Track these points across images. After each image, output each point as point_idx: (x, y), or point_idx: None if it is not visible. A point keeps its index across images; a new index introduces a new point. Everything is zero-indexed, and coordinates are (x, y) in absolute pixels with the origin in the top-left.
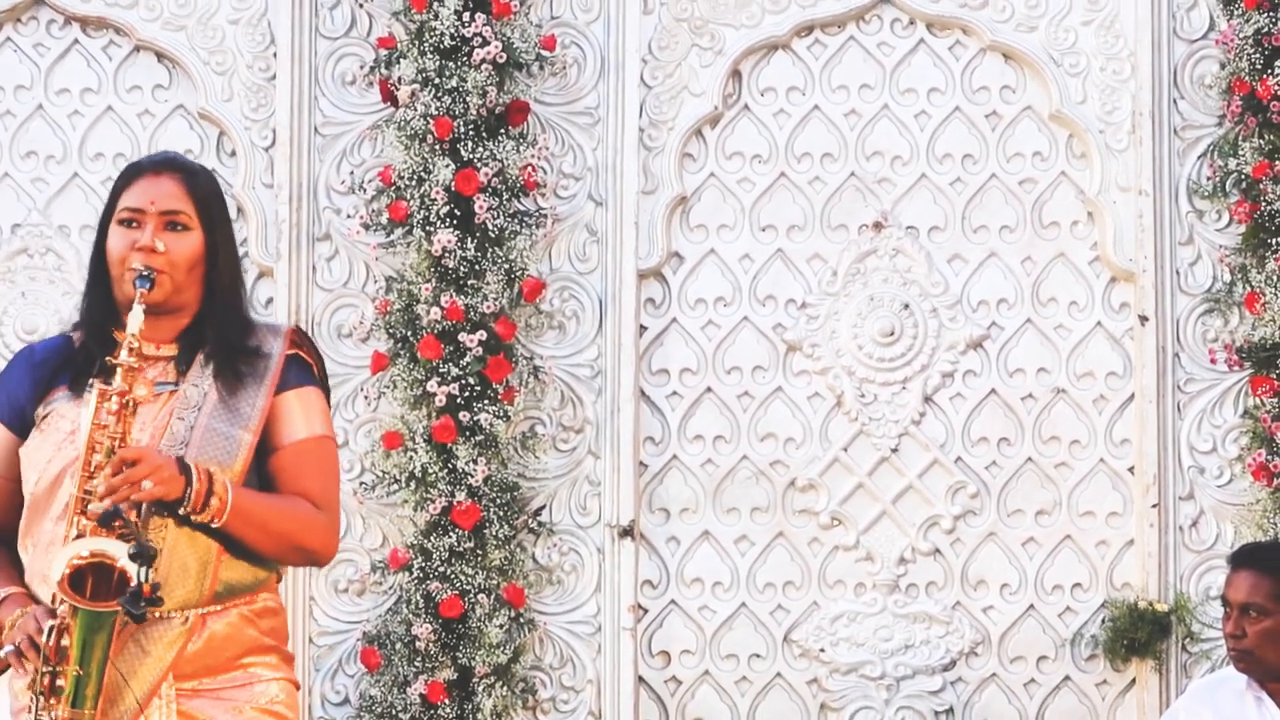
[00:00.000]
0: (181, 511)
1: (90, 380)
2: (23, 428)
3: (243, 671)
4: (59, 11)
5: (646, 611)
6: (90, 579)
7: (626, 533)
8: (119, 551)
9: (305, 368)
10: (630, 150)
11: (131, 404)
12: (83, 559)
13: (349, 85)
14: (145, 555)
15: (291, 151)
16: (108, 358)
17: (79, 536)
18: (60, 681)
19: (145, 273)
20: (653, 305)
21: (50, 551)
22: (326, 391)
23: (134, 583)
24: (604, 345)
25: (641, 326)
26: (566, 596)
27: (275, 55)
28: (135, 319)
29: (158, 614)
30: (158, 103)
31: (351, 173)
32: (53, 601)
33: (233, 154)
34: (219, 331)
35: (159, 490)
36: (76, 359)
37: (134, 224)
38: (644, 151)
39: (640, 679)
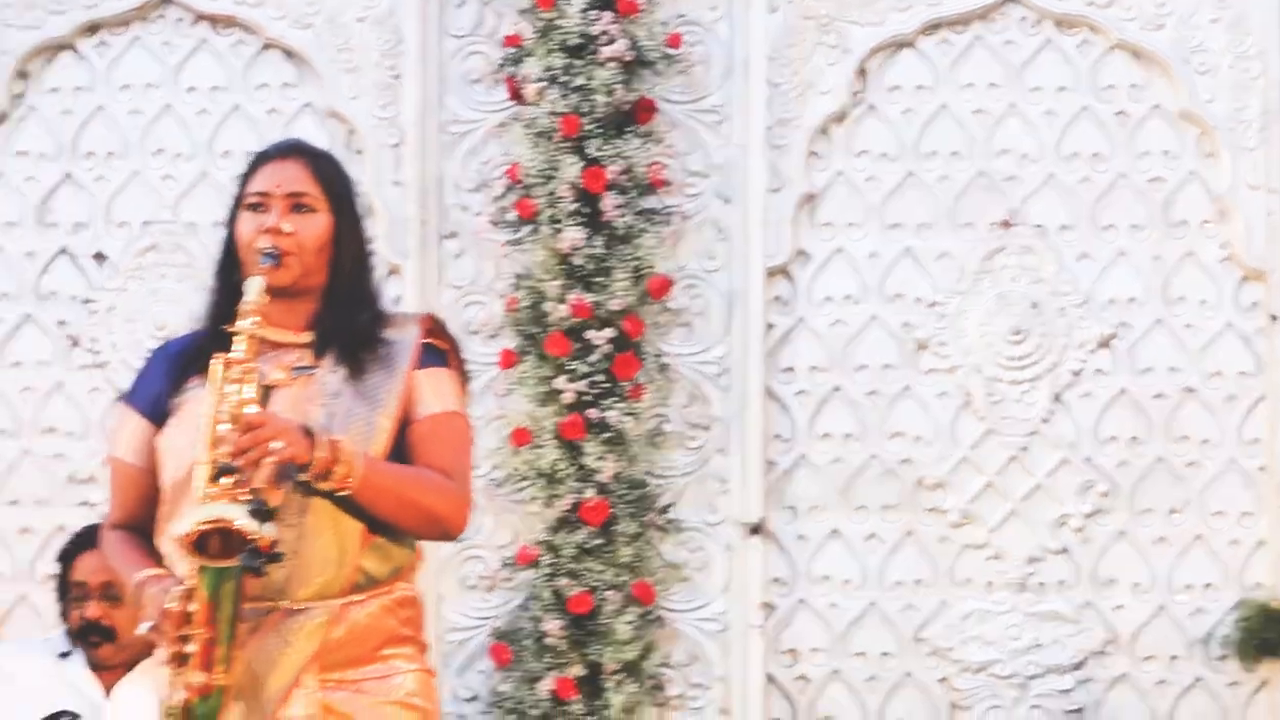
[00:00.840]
0: (307, 477)
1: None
2: (160, 418)
3: (382, 663)
4: (187, 10)
5: (775, 609)
6: (216, 543)
7: (755, 530)
8: (237, 513)
9: (440, 353)
10: (757, 148)
11: (255, 373)
12: (204, 524)
13: (476, 83)
14: (264, 513)
15: (420, 149)
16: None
17: (203, 503)
18: (190, 646)
19: (272, 251)
20: (780, 303)
21: None
22: (464, 377)
23: (252, 540)
24: (731, 343)
25: (769, 324)
26: (695, 594)
27: (403, 53)
28: (254, 286)
29: (299, 604)
30: (286, 100)
31: (479, 170)
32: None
33: (360, 152)
34: (349, 316)
35: (286, 451)
36: (211, 350)
37: (261, 208)
38: (771, 150)
39: (769, 676)
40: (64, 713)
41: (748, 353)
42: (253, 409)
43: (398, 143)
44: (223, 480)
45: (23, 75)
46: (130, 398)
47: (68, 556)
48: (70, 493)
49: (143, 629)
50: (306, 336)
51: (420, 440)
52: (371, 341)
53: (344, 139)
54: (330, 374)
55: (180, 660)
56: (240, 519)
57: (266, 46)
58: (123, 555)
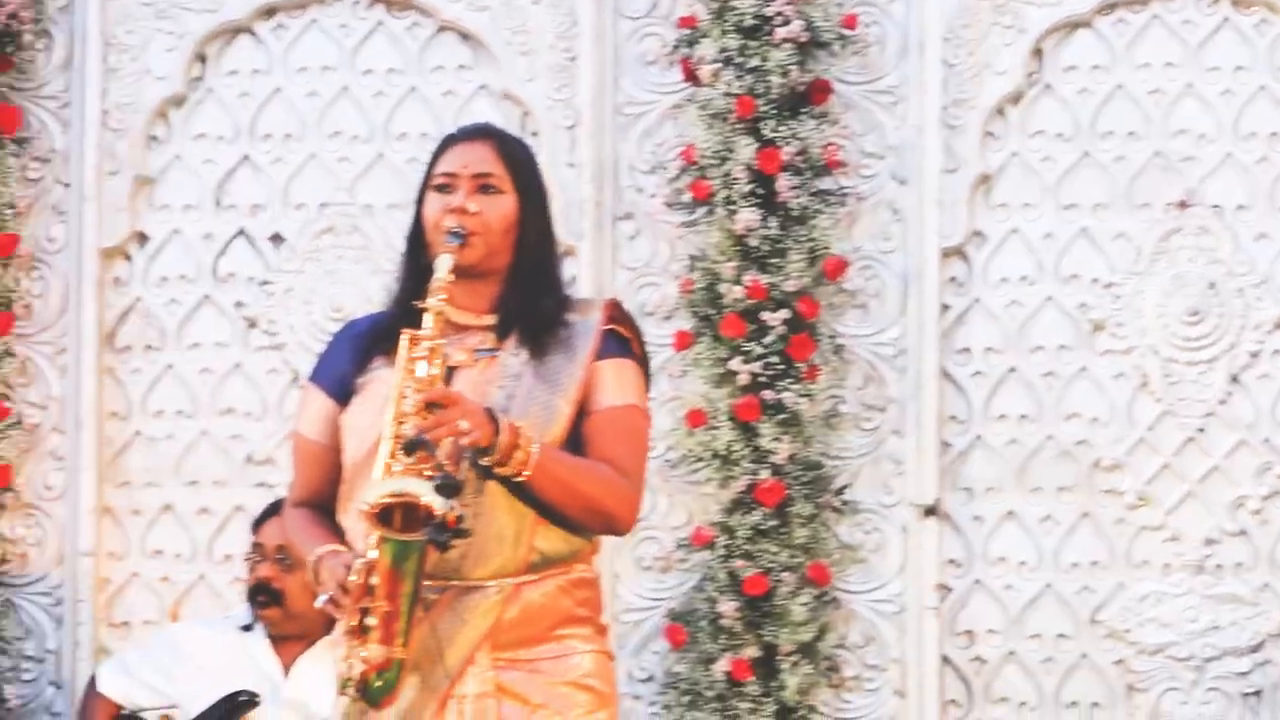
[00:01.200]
0: (487, 461)
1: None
2: (344, 397)
3: (557, 644)
4: None
5: (951, 590)
6: (399, 519)
7: (930, 512)
8: (423, 488)
9: (623, 341)
10: (932, 129)
11: (440, 350)
12: (389, 498)
13: (651, 65)
14: (450, 488)
15: (595, 131)
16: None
17: (387, 477)
18: (370, 619)
19: (458, 230)
20: (955, 284)
21: None
22: (645, 367)
23: (438, 514)
24: (906, 324)
25: (944, 305)
26: (871, 575)
27: (578, 35)
28: (444, 264)
29: (473, 583)
30: (461, 83)
31: (653, 152)
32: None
33: (535, 134)
34: (533, 299)
35: (473, 433)
36: (396, 331)
37: (448, 189)
38: (946, 130)
39: (944, 658)
40: (241, 692)
41: (923, 334)
42: (440, 387)
43: (573, 124)
44: (408, 455)
45: (201, 58)
46: (315, 376)
47: (257, 524)
48: (248, 474)
49: (320, 601)
50: (490, 319)
51: (597, 432)
52: (554, 325)
53: (519, 121)
54: (512, 356)
55: (359, 633)
56: (426, 494)
57: (442, 29)
58: (304, 531)
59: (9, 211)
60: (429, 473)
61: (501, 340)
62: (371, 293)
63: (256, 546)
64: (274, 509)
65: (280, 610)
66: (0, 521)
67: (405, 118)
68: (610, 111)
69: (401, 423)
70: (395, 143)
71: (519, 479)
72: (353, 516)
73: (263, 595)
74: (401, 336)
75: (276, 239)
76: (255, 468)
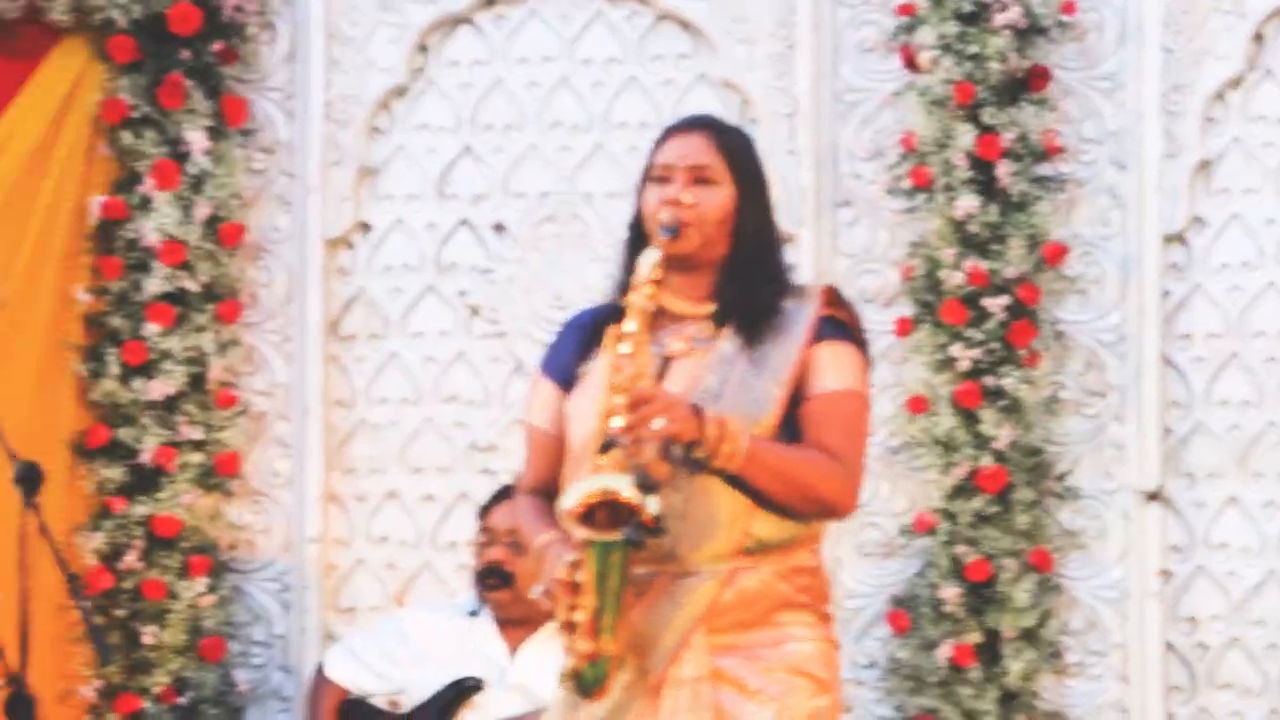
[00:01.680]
0: (695, 455)
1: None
2: (569, 385)
3: (775, 629)
4: None
5: (1173, 576)
6: (604, 514)
7: (1153, 497)
8: (624, 484)
9: (841, 325)
10: (1152, 115)
11: (644, 345)
12: (592, 496)
13: (869, 52)
14: (650, 486)
15: (814, 119)
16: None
17: (592, 474)
18: (578, 615)
19: (670, 224)
20: (1176, 270)
21: None
22: (865, 352)
23: (638, 513)
24: (1127, 310)
25: (1165, 291)
26: (1092, 561)
27: (797, 24)
28: (648, 260)
29: (688, 568)
30: (681, 71)
31: (872, 139)
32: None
33: (755, 121)
34: (748, 287)
35: (672, 428)
36: (616, 320)
37: (665, 180)
38: (1166, 116)
39: (1168, 644)
40: (467, 678)
41: (1144, 319)
42: (639, 385)
43: (792, 112)
44: (602, 455)
45: (422, 49)
46: (544, 365)
47: (486, 509)
48: (472, 460)
49: (535, 593)
50: (707, 308)
51: (813, 417)
52: (770, 312)
53: (738, 109)
54: (726, 343)
55: (570, 627)
56: (626, 491)
57: (661, 18)
58: (530, 517)
59: (235, 202)
60: (630, 470)
61: (718, 329)
62: (591, 280)
63: (486, 530)
64: (504, 494)
65: (510, 592)
66: (228, 508)
67: (624, 107)
68: (829, 99)
69: (608, 419)
70: (615, 132)
71: (728, 471)
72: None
73: (493, 578)
74: (608, 332)
75: (499, 228)
76: (479, 454)
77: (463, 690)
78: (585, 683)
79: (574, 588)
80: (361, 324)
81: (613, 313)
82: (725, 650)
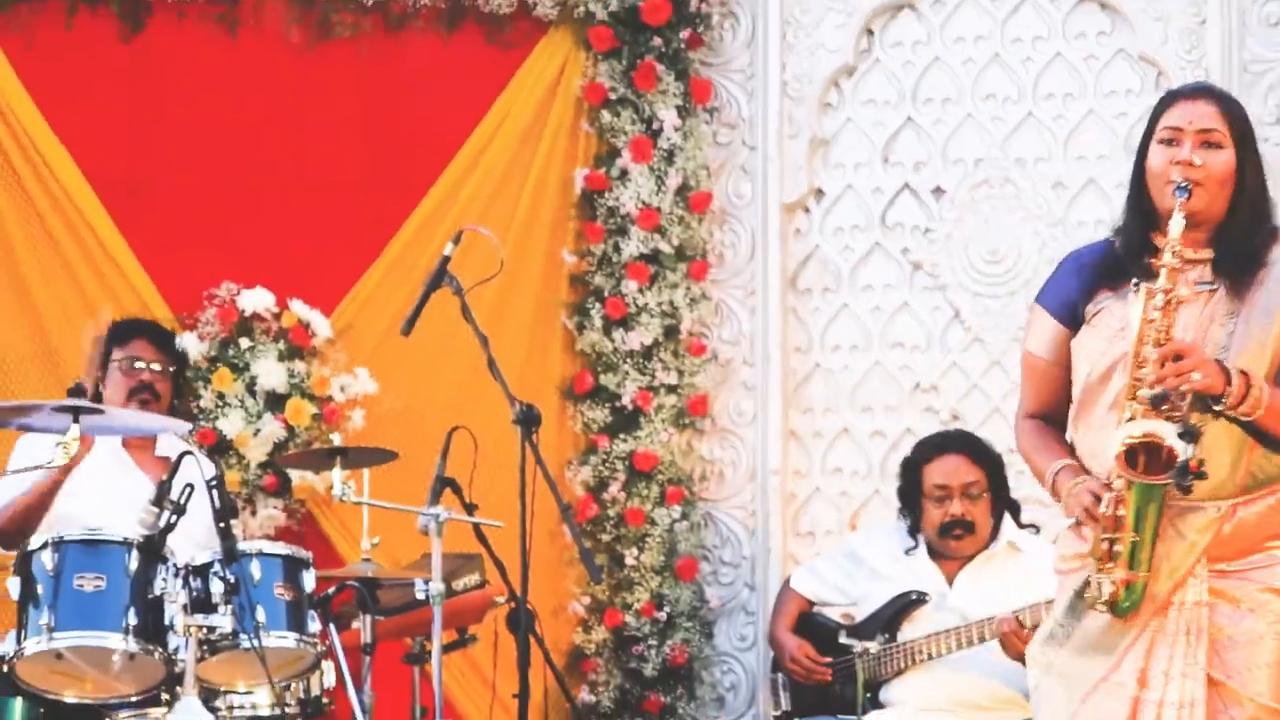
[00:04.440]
0: (1219, 407)
1: (1134, 281)
2: (1073, 322)
3: (1265, 554)
4: None
5: None
6: (1142, 457)
7: None
8: (1168, 432)
9: None
10: None
11: (1175, 302)
12: (1135, 439)
13: (1275, 26)
14: (1192, 435)
15: (1224, 87)
16: (1148, 260)
17: (1131, 419)
18: (1118, 547)
19: (1183, 184)
20: None
21: (1101, 435)
22: None
23: (1180, 459)
24: None
25: None
26: None
27: (1207, 1)
28: (1176, 225)
29: (1192, 502)
30: (1101, 47)
31: (1279, 105)
32: (1106, 477)
33: None
34: (1247, 240)
35: (1205, 382)
36: (1119, 262)
37: (1173, 142)
38: None
39: None
40: (912, 592)
41: None
42: (1178, 341)
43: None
44: (1155, 408)
45: (868, 32)
46: (1043, 299)
47: (913, 465)
48: (916, 400)
49: (1069, 520)
50: (1206, 253)
51: None
52: (1258, 263)
53: (1154, 80)
54: (1225, 296)
55: (1109, 556)
56: (1170, 438)
57: (1082, 0)
58: (1038, 440)
59: (703, 172)
60: (1174, 419)
61: (1217, 274)
62: (1021, 237)
63: (941, 487)
64: (925, 452)
65: (972, 538)
66: (699, 444)
67: (1050, 80)
68: (1238, 69)
69: (1140, 368)
70: (1042, 102)
71: (1248, 419)
72: (1091, 434)
73: (958, 529)
74: (1138, 288)
75: (938, 191)
76: (922, 394)
77: (909, 603)
78: (1121, 607)
79: (1115, 522)
80: (816, 279)
81: (1112, 254)
82: (1223, 575)
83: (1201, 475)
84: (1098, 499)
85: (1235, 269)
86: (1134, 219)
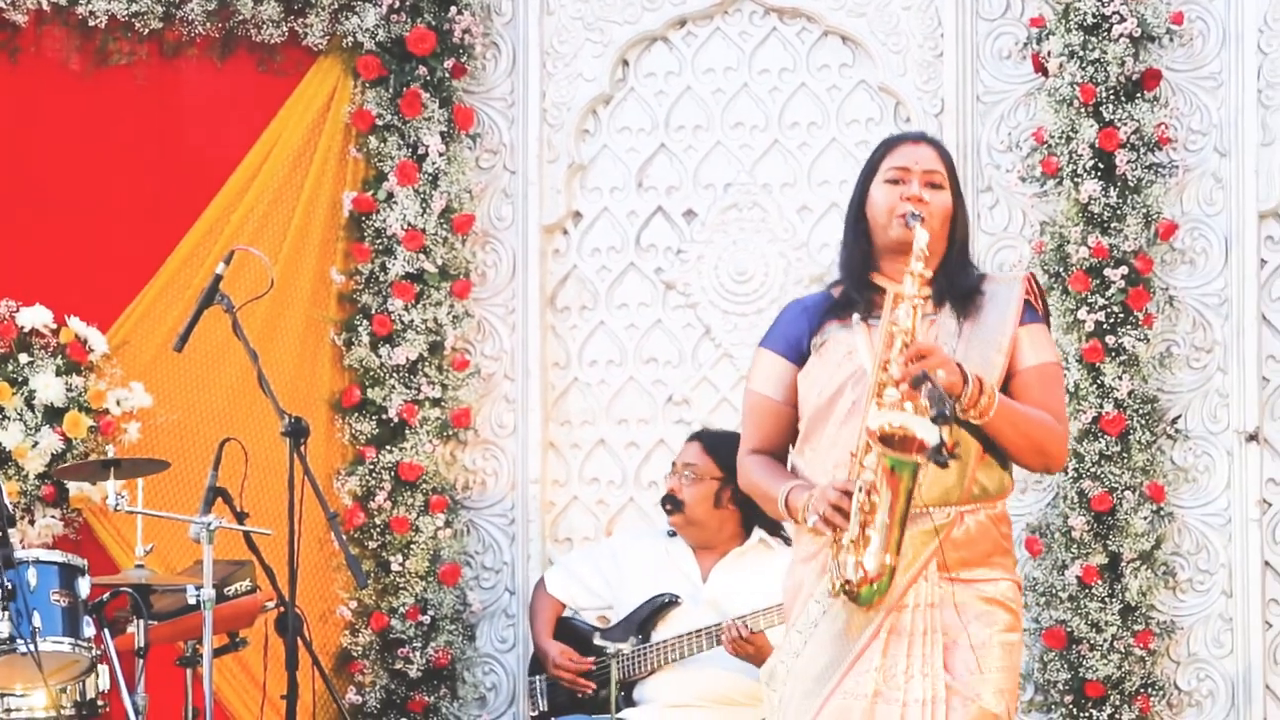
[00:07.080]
0: (957, 406)
1: (856, 315)
2: (799, 359)
3: (987, 568)
4: (759, 4)
5: (1270, 505)
6: (895, 448)
7: (1252, 437)
8: (918, 424)
9: (1036, 311)
10: (1250, 108)
11: (920, 311)
12: (891, 429)
13: (1005, 59)
14: (944, 417)
15: (958, 117)
16: (871, 295)
17: (880, 409)
18: (870, 531)
19: (915, 213)
20: (1271, 242)
21: (833, 451)
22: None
23: (932, 444)
24: (1229, 276)
25: (1262, 260)
26: (1200, 493)
27: (942, 35)
28: (920, 237)
29: (924, 508)
30: (842, 79)
31: (1009, 134)
32: (846, 481)
33: (908, 120)
34: (961, 276)
35: (947, 380)
36: (841, 303)
37: (900, 181)
38: (1262, 109)
39: (1266, 563)
40: (665, 594)
41: (1244, 285)
42: (923, 340)
43: (939, 111)
44: (914, 389)
45: (624, 63)
46: (768, 343)
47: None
48: (668, 412)
49: (811, 522)
50: (927, 290)
51: (1026, 387)
52: (976, 295)
53: (893, 110)
54: (949, 319)
55: (855, 546)
56: (922, 431)
57: (826, 33)
58: (764, 471)
59: (466, 195)
60: (927, 404)
61: (937, 307)
62: (768, 258)
63: (672, 464)
64: (693, 437)
65: (682, 516)
66: (463, 455)
67: (795, 109)
68: (971, 100)
69: (886, 366)
70: (788, 130)
71: (979, 421)
72: (820, 453)
73: (668, 504)
74: (865, 320)
75: (689, 214)
76: (674, 407)
77: (661, 605)
78: (864, 595)
79: (868, 508)
80: (574, 298)
81: (826, 299)
82: (951, 581)
83: (956, 455)
84: (847, 494)
85: (955, 298)
86: (854, 257)
